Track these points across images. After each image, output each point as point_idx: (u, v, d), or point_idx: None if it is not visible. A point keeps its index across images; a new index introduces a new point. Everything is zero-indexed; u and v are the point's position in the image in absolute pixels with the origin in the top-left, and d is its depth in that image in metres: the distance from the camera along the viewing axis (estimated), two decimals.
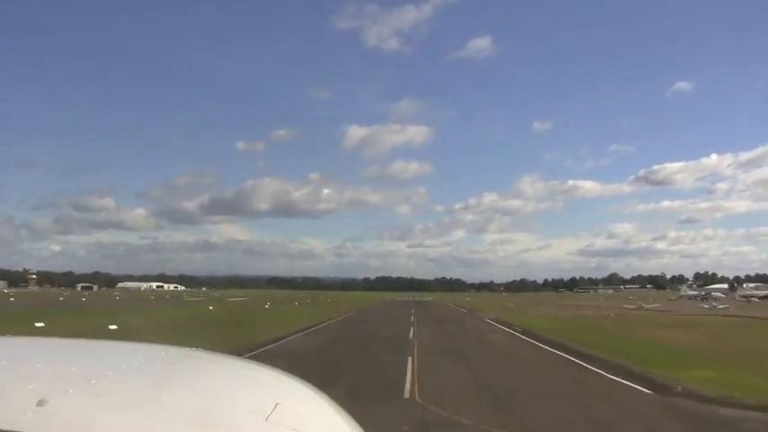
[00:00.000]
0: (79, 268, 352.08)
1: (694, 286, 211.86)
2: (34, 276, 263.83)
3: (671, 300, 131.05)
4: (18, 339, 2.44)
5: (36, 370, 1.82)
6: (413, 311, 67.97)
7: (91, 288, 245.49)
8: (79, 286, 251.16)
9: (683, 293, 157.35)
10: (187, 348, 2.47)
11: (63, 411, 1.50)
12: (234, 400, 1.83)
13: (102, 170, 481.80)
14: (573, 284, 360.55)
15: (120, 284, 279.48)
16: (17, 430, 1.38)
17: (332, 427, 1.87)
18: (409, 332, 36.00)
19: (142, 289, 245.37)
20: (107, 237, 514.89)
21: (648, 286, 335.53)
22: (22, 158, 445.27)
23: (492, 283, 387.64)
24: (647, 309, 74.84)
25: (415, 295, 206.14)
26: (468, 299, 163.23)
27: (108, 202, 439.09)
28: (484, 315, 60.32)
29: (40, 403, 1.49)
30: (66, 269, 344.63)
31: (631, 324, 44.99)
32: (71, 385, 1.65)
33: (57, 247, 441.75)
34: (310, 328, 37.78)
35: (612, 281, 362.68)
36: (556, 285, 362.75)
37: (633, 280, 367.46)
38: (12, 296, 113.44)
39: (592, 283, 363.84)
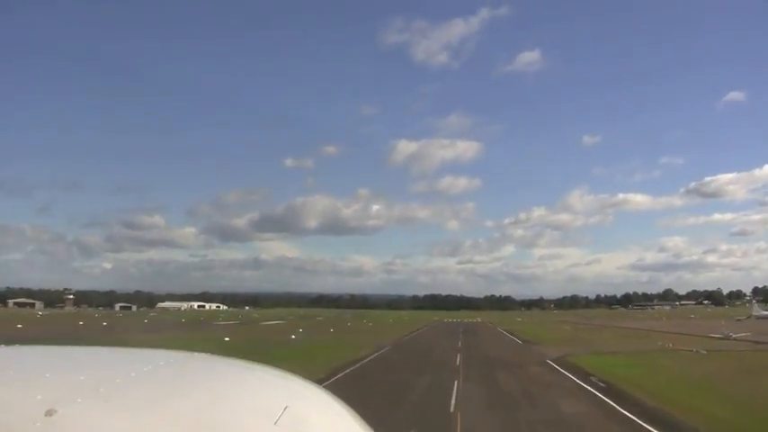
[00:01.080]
0: (124, 286, 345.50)
1: (754, 302, 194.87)
2: (71, 296, 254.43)
3: (739, 320, 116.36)
4: (25, 348, 2.42)
5: (44, 379, 1.78)
6: (459, 344, 56.91)
7: (129, 308, 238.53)
8: (117, 306, 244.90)
9: (754, 313, 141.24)
10: (195, 353, 2.44)
11: (72, 420, 1.47)
12: (243, 403, 1.78)
13: (153, 188, 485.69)
14: (627, 300, 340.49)
15: (159, 304, 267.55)
16: None
17: (342, 430, 1.81)
18: (451, 393, 25.17)
19: (182, 309, 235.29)
20: (157, 254, 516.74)
21: (705, 302, 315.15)
22: (74, 178, 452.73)
23: (542, 299, 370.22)
24: (735, 338, 61.73)
25: (464, 315, 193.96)
26: (519, 319, 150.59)
27: (158, 220, 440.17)
28: (544, 350, 48.79)
29: (49, 413, 1.46)
30: (110, 287, 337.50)
31: (745, 372, 33.03)
32: (79, 393, 1.61)
33: (108, 265, 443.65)
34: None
35: (668, 297, 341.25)
36: (609, 302, 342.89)
37: (689, 295, 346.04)
38: (24, 322, 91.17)
39: (646, 298, 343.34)
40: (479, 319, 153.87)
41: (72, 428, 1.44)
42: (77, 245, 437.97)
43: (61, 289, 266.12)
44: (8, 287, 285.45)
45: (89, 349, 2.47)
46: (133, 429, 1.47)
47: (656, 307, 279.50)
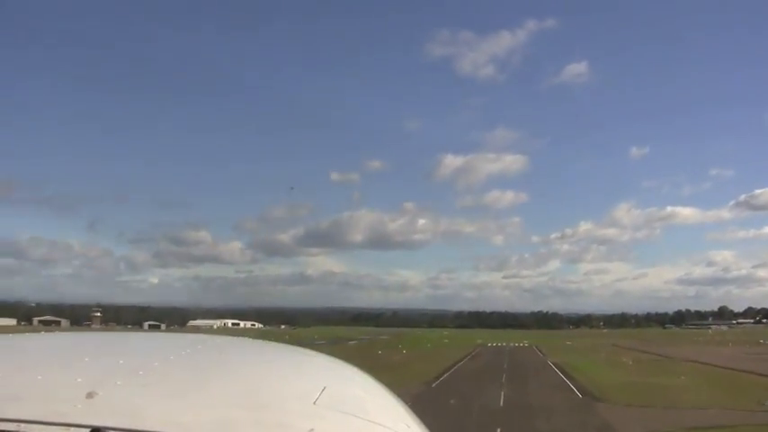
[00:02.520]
0: (166, 300, 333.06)
1: None
2: (99, 314, 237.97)
3: None
4: (65, 335, 2.40)
5: (84, 363, 1.79)
6: (501, 401, 42.68)
7: (158, 327, 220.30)
8: (146, 324, 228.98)
9: None
10: (232, 336, 2.49)
11: (112, 402, 1.48)
12: (282, 384, 1.78)
13: (199, 203, 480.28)
14: (680, 318, 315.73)
15: (191, 322, 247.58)
16: (68, 422, 1.35)
17: (380, 410, 1.79)
18: None
19: (214, 327, 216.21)
20: (203, 270, 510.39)
21: (765, 321, 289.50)
22: (121, 192, 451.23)
23: (590, 317, 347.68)
24: None
25: (510, 335, 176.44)
26: (569, 343, 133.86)
27: (204, 235, 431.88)
28: (617, 421, 34.39)
29: (90, 395, 1.47)
30: (152, 302, 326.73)
31: None
32: (120, 377, 1.63)
33: (155, 280, 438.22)
34: None
35: (723, 314, 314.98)
36: (660, 320, 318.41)
37: (744, 313, 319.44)
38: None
39: (699, 316, 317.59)
40: (526, 343, 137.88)
41: (112, 410, 1.43)
42: (124, 260, 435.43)
43: (94, 304, 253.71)
44: (38, 303, 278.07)
45: (128, 335, 2.45)
46: (173, 411, 1.47)
47: (713, 327, 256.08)
